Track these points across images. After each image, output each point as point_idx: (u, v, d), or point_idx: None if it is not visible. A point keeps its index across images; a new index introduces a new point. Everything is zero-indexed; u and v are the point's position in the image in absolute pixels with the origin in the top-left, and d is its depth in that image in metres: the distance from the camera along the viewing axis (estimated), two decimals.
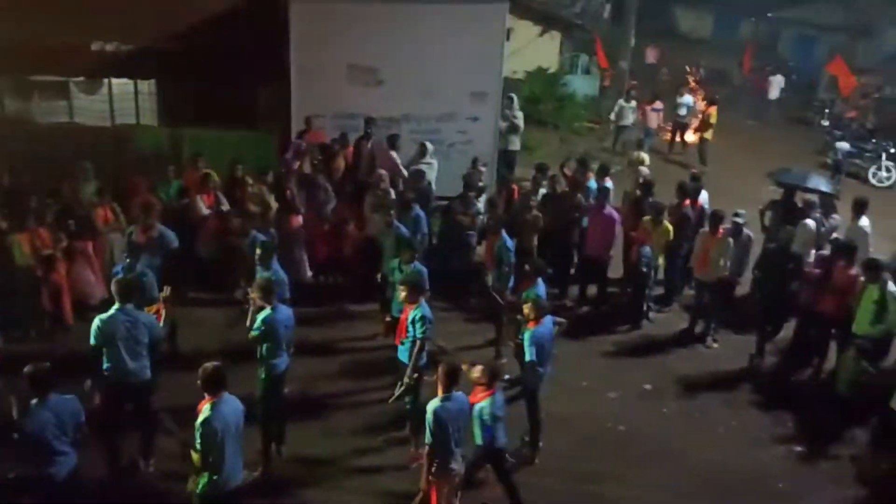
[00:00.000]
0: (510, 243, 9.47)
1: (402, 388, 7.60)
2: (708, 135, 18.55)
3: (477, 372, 6.44)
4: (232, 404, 5.82)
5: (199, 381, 5.72)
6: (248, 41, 13.29)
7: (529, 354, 7.38)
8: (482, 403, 6.35)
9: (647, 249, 10.51)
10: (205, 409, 5.66)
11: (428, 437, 6.15)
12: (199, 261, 10.56)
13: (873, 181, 17.97)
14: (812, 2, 32.84)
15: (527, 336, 7.43)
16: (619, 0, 25.87)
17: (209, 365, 5.77)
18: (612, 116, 19.05)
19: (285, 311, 7.32)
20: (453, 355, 8.51)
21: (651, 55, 29.45)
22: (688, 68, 26.33)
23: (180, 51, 13.34)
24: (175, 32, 13.47)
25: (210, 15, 13.65)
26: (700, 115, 19.14)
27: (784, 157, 18.10)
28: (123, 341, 6.83)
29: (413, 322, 7.43)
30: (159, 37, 13.51)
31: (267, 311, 7.11)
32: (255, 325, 7.11)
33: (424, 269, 8.38)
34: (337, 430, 8.18)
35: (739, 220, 10.29)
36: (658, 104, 19.11)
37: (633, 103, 19.02)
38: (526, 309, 7.52)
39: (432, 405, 6.14)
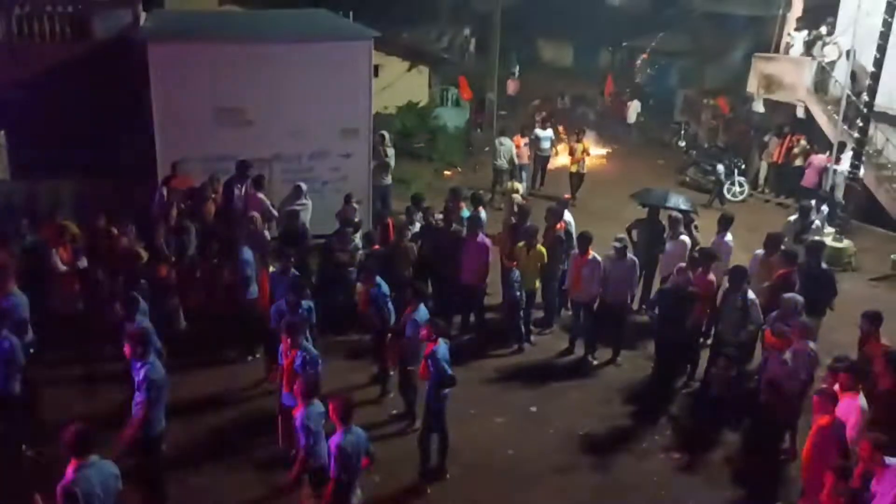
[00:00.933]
0: (385, 288, 9.45)
1: None
2: (581, 168, 18.16)
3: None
4: (101, 468, 5.50)
5: (63, 444, 5.39)
6: (105, 86, 12.82)
7: (438, 374, 7.54)
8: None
9: (515, 273, 10.76)
10: (69, 474, 5.33)
11: (333, 473, 6.13)
12: (56, 317, 9.98)
13: (728, 196, 19.10)
14: (663, 30, 34.90)
15: (431, 357, 7.57)
16: (484, 33, 26.60)
17: (74, 426, 5.44)
18: (497, 160, 17.60)
19: (159, 365, 6.97)
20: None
21: (511, 87, 29.97)
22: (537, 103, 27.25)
23: (30, 99, 12.72)
24: (23, 80, 12.86)
25: (61, 59, 13.14)
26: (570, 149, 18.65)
27: (646, 177, 19.04)
28: None
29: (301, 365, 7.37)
30: (6, 85, 12.84)
31: (146, 368, 6.71)
32: (142, 390, 6.69)
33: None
34: (223, 486, 7.86)
35: (617, 245, 10.52)
36: (527, 138, 18.69)
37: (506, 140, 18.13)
38: (424, 331, 7.75)
39: (335, 440, 6.12)
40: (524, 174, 18.00)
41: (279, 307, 8.55)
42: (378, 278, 9.40)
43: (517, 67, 33.03)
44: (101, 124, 13.16)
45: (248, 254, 10.04)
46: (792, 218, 12.73)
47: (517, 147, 17.71)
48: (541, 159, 19.23)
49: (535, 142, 18.81)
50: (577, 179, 18.25)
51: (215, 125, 12.75)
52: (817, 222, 12.30)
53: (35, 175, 12.75)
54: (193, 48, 12.75)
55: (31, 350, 8.44)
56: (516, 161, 17.60)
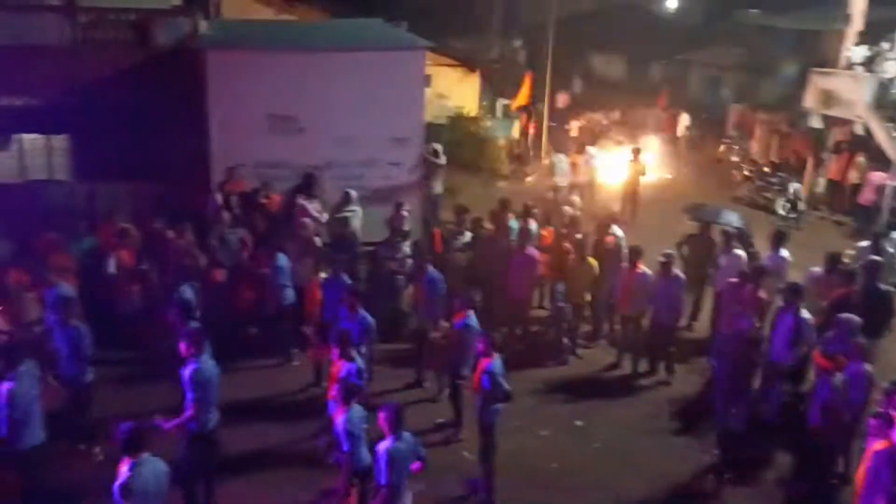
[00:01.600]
0: (438, 275, 9.71)
1: None
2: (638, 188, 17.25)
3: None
4: (154, 466, 5.60)
5: (117, 442, 5.51)
6: (164, 92, 13.12)
7: (494, 389, 7.55)
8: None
9: (560, 286, 10.70)
10: (123, 472, 5.44)
11: (381, 479, 6.18)
12: (113, 318, 10.23)
13: (782, 213, 18.74)
14: (716, 44, 34.47)
15: (487, 373, 7.58)
16: (535, 45, 26.55)
17: (127, 424, 5.57)
18: (556, 177, 17.11)
19: (211, 363, 7.13)
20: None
21: (562, 100, 29.00)
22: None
23: (92, 104, 13.08)
24: (87, 86, 13.22)
25: (123, 66, 13.48)
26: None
27: (697, 193, 18.79)
28: None
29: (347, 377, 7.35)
30: (71, 91, 13.22)
31: (194, 366, 6.91)
32: (189, 386, 6.87)
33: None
34: (271, 484, 7.95)
35: (662, 260, 10.41)
36: (588, 156, 17.92)
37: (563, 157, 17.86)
38: (480, 346, 7.79)
39: (384, 447, 6.17)
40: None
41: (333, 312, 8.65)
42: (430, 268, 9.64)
43: (579, 83, 32.87)
44: (158, 129, 13.46)
45: (282, 260, 10.17)
46: (864, 244, 12.15)
47: (574, 165, 17.19)
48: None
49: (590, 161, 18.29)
50: (631, 201, 17.20)
51: (269, 132, 12.95)
52: (891, 248, 11.85)
53: (95, 177, 13.08)
54: (250, 56, 12.98)
55: None
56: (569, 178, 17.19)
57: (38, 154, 14.21)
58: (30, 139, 14.15)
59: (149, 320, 9.86)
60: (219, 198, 11.90)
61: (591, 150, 18.41)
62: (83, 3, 14.20)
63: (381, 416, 6.31)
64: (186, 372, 6.89)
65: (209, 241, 10.80)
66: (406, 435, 6.36)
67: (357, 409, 6.70)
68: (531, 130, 23.76)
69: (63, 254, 9.99)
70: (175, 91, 13.13)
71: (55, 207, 12.26)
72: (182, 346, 6.99)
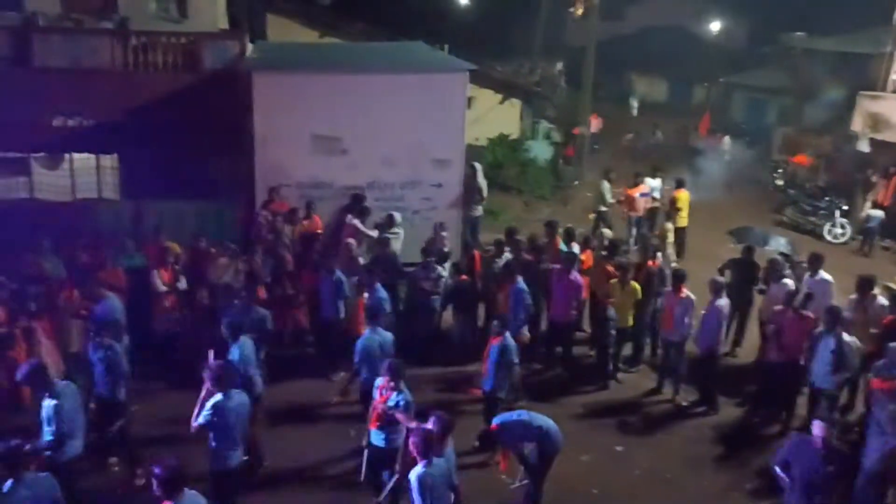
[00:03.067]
0: (523, 285, 9.86)
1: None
2: (682, 221, 15.84)
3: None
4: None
5: (155, 483, 5.34)
6: (210, 114, 13.40)
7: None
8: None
9: (612, 312, 10.60)
10: None
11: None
12: (157, 336, 10.40)
13: (828, 238, 18.40)
14: (760, 67, 34.17)
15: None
16: (576, 67, 26.57)
17: (164, 464, 5.36)
18: (601, 206, 16.15)
19: (238, 398, 6.88)
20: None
21: (594, 124, 27.30)
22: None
23: (142, 124, 13.41)
24: (137, 107, 13.56)
25: (172, 88, 13.80)
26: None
27: (740, 216, 18.54)
28: None
29: (394, 407, 7.29)
30: (121, 111, 13.58)
31: (218, 397, 6.72)
32: (203, 413, 6.70)
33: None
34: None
35: (719, 279, 10.32)
36: (645, 187, 16.39)
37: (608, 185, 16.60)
38: None
39: (416, 472, 6.06)
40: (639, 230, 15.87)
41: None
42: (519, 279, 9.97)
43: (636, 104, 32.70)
44: (205, 149, 13.75)
45: (338, 275, 10.31)
46: None
47: (631, 198, 16.12)
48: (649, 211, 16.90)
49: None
50: (679, 235, 15.77)
51: (312, 153, 13.13)
52: None
53: (142, 196, 13.36)
54: (294, 78, 13.19)
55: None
56: (608, 207, 16.25)
57: (88, 173, 14.58)
58: (80, 159, 14.54)
59: (191, 339, 10.00)
60: (263, 217, 12.06)
61: (648, 180, 17.01)
62: (135, 27, 14.62)
63: (411, 440, 6.19)
64: (208, 404, 6.74)
65: (253, 260, 10.91)
66: (438, 461, 6.18)
67: (437, 464, 6.26)
68: (570, 153, 23.78)
69: (112, 270, 10.20)
70: (221, 112, 13.40)
71: (104, 225, 12.50)
72: (207, 380, 6.87)
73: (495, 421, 7.54)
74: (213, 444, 6.78)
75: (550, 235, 12.15)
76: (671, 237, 14.39)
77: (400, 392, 7.32)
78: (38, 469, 6.16)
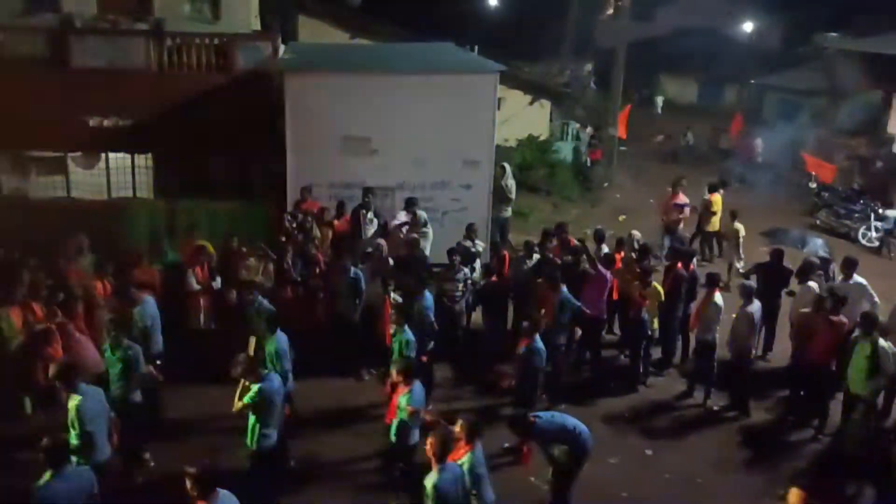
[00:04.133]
0: (568, 294, 9.91)
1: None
2: (714, 226, 15.55)
3: (457, 426, 6.40)
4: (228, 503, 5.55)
5: (189, 486, 5.39)
6: (243, 114, 13.54)
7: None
8: (461, 460, 6.31)
9: (645, 314, 10.54)
10: None
11: None
12: (190, 334, 10.52)
13: (863, 241, 18.12)
14: (793, 68, 33.71)
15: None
16: (606, 68, 26.43)
17: (199, 464, 5.47)
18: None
19: (278, 381, 7.25)
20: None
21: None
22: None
23: (175, 124, 13.58)
24: (171, 107, 13.74)
25: (205, 88, 13.96)
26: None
27: (774, 218, 18.33)
28: None
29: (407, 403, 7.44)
30: (155, 112, 13.77)
31: (261, 383, 7.05)
32: (249, 395, 7.00)
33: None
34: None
35: (749, 283, 10.19)
36: (682, 197, 15.28)
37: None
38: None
39: (431, 479, 6.01)
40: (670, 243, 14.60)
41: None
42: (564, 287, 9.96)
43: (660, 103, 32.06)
44: (237, 149, 13.89)
45: (355, 273, 10.37)
46: None
47: (670, 205, 15.20)
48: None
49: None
50: (709, 238, 15.70)
51: (343, 153, 13.23)
52: None
53: (175, 195, 13.54)
54: (326, 79, 13.31)
55: (159, 361, 8.95)
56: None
57: (123, 172, 14.79)
58: (115, 158, 14.75)
59: (223, 337, 10.09)
60: (293, 216, 12.16)
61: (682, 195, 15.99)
62: (169, 29, 14.82)
63: (429, 440, 6.17)
64: (254, 388, 7.02)
65: (283, 259, 11.00)
66: (452, 465, 6.17)
67: (479, 449, 6.50)
68: (598, 156, 23.56)
69: (146, 269, 10.34)
70: (254, 112, 13.55)
71: (138, 224, 12.68)
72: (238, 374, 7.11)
73: (533, 415, 7.50)
74: (257, 425, 6.99)
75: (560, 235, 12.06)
76: (740, 238, 14.02)
77: (411, 389, 7.46)
78: None
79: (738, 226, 14.31)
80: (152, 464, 8.36)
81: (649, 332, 10.67)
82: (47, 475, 5.69)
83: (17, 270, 9.82)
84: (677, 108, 39.64)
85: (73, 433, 6.79)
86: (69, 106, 13.66)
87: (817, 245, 12.01)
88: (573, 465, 7.48)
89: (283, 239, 11.67)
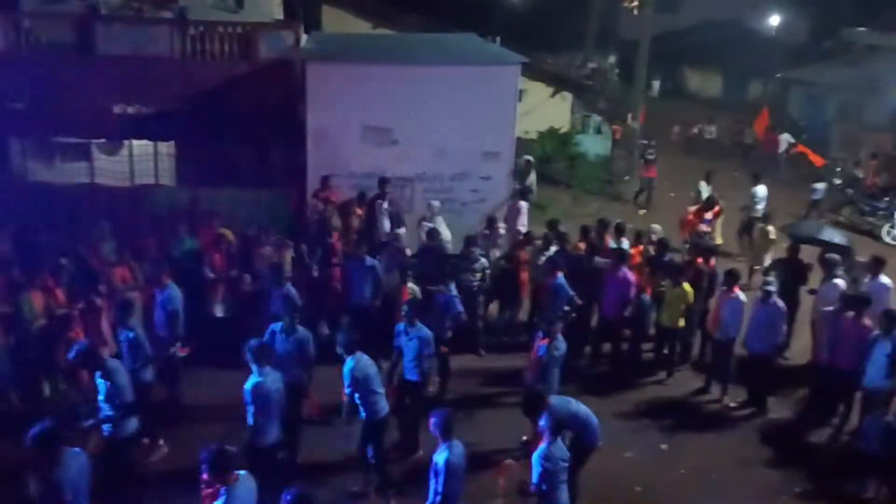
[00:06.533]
0: (563, 280, 9.96)
1: None
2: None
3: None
4: (246, 485, 5.50)
5: (205, 470, 5.35)
6: (265, 103, 13.60)
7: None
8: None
9: (646, 298, 10.54)
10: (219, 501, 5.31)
11: (440, 488, 6.17)
12: (212, 319, 10.61)
13: (887, 239, 17.92)
14: (819, 62, 33.28)
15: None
16: (629, 61, 26.25)
17: (210, 448, 5.38)
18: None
19: (273, 376, 7.14)
20: None
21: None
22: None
23: (199, 113, 13.67)
24: (194, 95, 13.84)
25: (228, 77, 14.04)
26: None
27: (798, 215, 18.16)
28: None
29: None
30: (179, 99, 13.86)
31: (256, 378, 7.00)
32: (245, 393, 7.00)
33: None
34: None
35: (771, 288, 9.99)
36: (709, 213, 14.23)
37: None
38: None
39: (443, 456, 6.17)
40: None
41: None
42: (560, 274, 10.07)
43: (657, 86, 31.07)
44: (259, 138, 13.96)
45: (368, 261, 10.44)
46: None
47: (691, 223, 14.34)
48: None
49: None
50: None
51: (363, 143, 13.25)
52: None
53: (197, 183, 13.63)
54: (348, 69, 13.31)
55: (179, 344, 9.06)
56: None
57: (146, 159, 14.93)
58: (139, 145, 14.89)
59: (240, 323, 10.17)
60: (314, 205, 12.22)
61: (757, 190, 16.20)
62: (193, 17, 14.90)
63: (432, 421, 6.30)
64: (248, 385, 6.99)
65: (302, 248, 11.07)
66: (459, 443, 6.34)
67: (559, 444, 6.50)
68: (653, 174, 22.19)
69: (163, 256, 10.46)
70: (276, 101, 13.62)
71: (160, 211, 12.80)
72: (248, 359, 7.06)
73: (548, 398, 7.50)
74: (253, 420, 6.99)
75: (601, 233, 12.03)
76: (771, 241, 13.51)
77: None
78: (97, 447, 6.33)
79: (770, 229, 13.74)
80: (166, 449, 8.47)
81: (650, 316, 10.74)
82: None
83: (39, 255, 9.95)
84: (701, 101, 39.28)
85: (105, 406, 6.96)
86: (94, 93, 13.79)
87: (832, 235, 11.93)
88: (578, 453, 7.44)
89: (302, 228, 11.75)
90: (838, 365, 9.42)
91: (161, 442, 8.51)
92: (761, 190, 16.12)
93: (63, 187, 13.58)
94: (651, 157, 20.09)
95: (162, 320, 9.08)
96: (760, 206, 15.75)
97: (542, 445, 6.36)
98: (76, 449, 5.89)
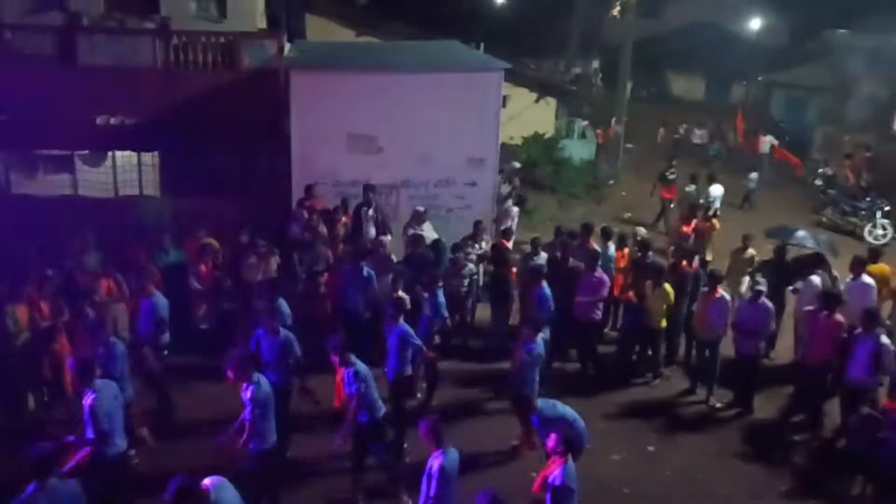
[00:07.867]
0: (547, 290, 9.91)
1: None
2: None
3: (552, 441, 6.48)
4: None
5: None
6: (249, 112, 13.59)
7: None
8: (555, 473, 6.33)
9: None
10: None
11: (432, 493, 6.19)
12: (194, 329, 10.60)
13: (869, 239, 18.09)
14: (800, 64, 33.62)
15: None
16: (613, 65, 26.43)
17: (175, 483, 5.10)
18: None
19: (265, 381, 7.16)
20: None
21: (612, 132, 25.65)
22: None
23: (182, 122, 13.64)
24: (177, 105, 13.82)
25: (212, 87, 14.03)
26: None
27: (778, 215, 18.30)
28: None
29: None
30: (162, 110, 13.84)
31: (252, 386, 7.01)
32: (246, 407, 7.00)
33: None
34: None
35: (761, 288, 10.11)
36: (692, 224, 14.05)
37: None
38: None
39: (439, 462, 6.20)
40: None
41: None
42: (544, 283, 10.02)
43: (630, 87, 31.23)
44: (243, 147, 13.94)
45: (364, 271, 10.42)
46: None
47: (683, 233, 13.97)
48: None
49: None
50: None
51: (348, 151, 13.24)
52: None
53: (182, 193, 13.59)
54: (331, 77, 13.31)
55: (165, 352, 9.06)
56: None
57: (130, 170, 14.87)
58: (122, 156, 14.84)
59: (225, 333, 10.16)
60: (300, 214, 12.21)
61: (712, 189, 17.37)
62: (176, 27, 14.88)
63: (422, 431, 6.32)
64: (246, 393, 6.97)
65: (290, 257, 11.07)
66: (453, 449, 6.36)
67: (570, 465, 6.45)
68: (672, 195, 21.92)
69: (148, 266, 10.41)
70: (260, 110, 13.60)
71: (144, 222, 12.74)
72: (229, 373, 7.01)
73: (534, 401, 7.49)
74: (255, 425, 6.95)
75: (584, 237, 12.09)
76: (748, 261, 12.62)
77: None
78: (82, 468, 6.25)
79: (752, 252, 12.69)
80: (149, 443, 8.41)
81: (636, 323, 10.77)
82: (30, 489, 5.49)
83: (23, 268, 9.90)
84: (684, 104, 39.57)
85: (88, 428, 6.80)
86: (76, 104, 13.71)
87: (805, 238, 12.13)
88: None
89: (290, 237, 11.74)
90: (811, 360, 9.54)
91: (145, 432, 8.47)
92: (716, 189, 17.69)
93: (46, 199, 13.52)
94: (672, 177, 18.67)
95: (147, 329, 9.03)
96: (717, 206, 17.11)
97: (558, 472, 6.27)
98: (70, 480, 5.80)
